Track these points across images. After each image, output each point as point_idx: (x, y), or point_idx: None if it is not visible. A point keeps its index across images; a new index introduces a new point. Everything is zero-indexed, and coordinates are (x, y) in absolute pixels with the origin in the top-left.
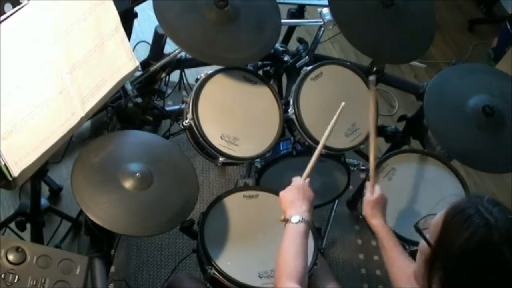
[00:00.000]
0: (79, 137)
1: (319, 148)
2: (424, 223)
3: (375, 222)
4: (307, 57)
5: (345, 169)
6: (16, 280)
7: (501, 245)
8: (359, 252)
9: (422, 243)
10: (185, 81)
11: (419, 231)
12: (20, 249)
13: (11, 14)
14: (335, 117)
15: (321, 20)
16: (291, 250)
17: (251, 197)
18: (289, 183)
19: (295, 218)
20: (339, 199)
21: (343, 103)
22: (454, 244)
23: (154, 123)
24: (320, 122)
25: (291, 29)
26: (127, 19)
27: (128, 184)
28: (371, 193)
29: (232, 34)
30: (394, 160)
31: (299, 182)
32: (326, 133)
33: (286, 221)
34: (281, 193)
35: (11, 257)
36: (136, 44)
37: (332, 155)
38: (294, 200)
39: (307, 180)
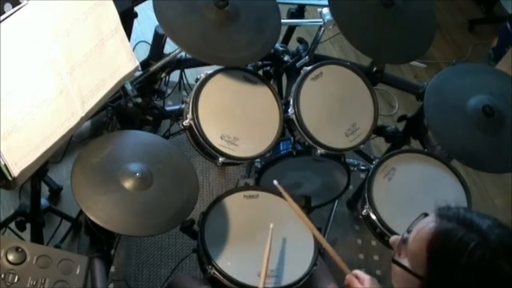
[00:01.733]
0: (79, 137)
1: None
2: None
3: None
4: (307, 57)
5: (345, 169)
6: (16, 280)
7: (498, 260)
8: (359, 252)
9: (400, 272)
10: (185, 81)
11: (400, 265)
12: (20, 249)
13: (11, 14)
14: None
15: (321, 20)
16: None
17: (251, 197)
18: (289, 183)
19: None
20: (339, 199)
21: (271, 225)
22: (454, 272)
23: (154, 123)
24: (320, 122)
25: (291, 29)
26: (127, 19)
27: (128, 184)
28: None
29: (232, 34)
30: (394, 160)
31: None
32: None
33: None
34: None
35: (11, 257)
36: (136, 44)
37: (332, 155)
38: None
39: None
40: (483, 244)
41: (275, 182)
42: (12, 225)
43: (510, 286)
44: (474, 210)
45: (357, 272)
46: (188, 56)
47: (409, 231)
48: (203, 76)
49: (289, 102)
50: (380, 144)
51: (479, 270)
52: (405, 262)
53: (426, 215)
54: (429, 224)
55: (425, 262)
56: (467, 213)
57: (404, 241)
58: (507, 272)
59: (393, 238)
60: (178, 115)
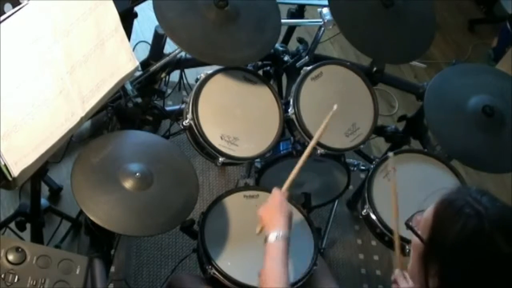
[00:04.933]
0: (79, 137)
1: (304, 155)
2: (414, 220)
3: None
4: (307, 57)
5: (345, 169)
6: (16, 280)
7: (493, 233)
8: (359, 252)
9: (415, 240)
10: (185, 81)
11: (410, 227)
12: (20, 249)
13: (11, 14)
14: (326, 120)
15: (321, 20)
16: (272, 270)
17: (251, 197)
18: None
19: (272, 237)
20: (339, 199)
21: (335, 106)
22: (447, 237)
23: (154, 123)
24: (320, 122)
25: (291, 29)
26: (127, 19)
27: (128, 184)
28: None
29: (232, 34)
30: (394, 160)
31: (276, 198)
32: (314, 139)
33: (265, 239)
34: (259, 211)
35: (11, 257)
36: (136, 44)
37: (332, 155)
38: (271, 217)
39: (286, 194)
40: (482, 215)
41: (390, 154)
42: (12, 225)
43: (500, 259)
44: (489, 193)
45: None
46: (188, 56)
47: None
48: (203, 76)
49: (289, 102)
50: (380, 144)
51: (472, 239)
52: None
53: None
54: (443, 194)
55: (430, 227)
56: (480, 191)
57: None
58: (502, 249)
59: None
60: (178, 115)
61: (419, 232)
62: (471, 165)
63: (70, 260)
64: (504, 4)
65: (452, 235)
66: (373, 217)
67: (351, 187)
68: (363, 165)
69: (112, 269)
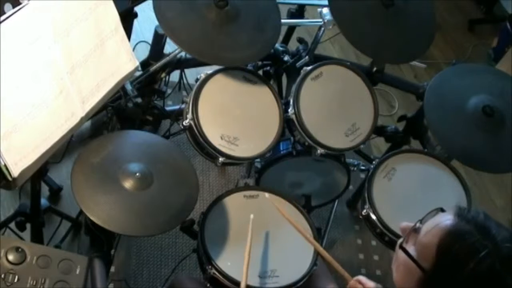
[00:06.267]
0: (79, 137)
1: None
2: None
3: None
4: (307, 57)
5: (345, 169)
6: (16, 280)
7: (503, 271)
8: (359, 252)
9: (404, 259)
10: (185, 81)
11: (408, 254)
12: (20, 249)
13: (11, 14)
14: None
15: (321, 20)
16: None
17: (251, 197)
18: (289, 183)
19: None
20: (339, 199)
21: (252, 216)
22: (458, 275)
23: (154, 123)
24: (320, 122)
25: (291, 29)
26: (127, 19)
27: (128, 184)
28: None
29: (232, 34)
30: (394, 160)
31: None
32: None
33: None
34: None
35: (11, 257)
36: (136, 44)
37: (332, 155)
38: None
39: None
40: (494, 254)
41: (266, 195)
42: (12, 225)
43: None
44: (493, 219)
45: (361, 278)
46: (188, 56)
47: (422, 222)
48: (203, 76)
49: (289, 102)
50: (380, 144)
51: (484, 278)
52: (412, 250)
53: (442, 210)
54: (446, 221)
55: (433, 257)
56: (486, 220)
57: (415, 230)
58: (508, 283)
59: (403, 224)
60: (178, 115)
61: (416, 258)
62: (471, 165)
63: (70, 260)
64: (504, 4)
65: (465, 273)
66: (373, 217)
67: (351, 187)
68: (363, 165)
69: (112, 269)
